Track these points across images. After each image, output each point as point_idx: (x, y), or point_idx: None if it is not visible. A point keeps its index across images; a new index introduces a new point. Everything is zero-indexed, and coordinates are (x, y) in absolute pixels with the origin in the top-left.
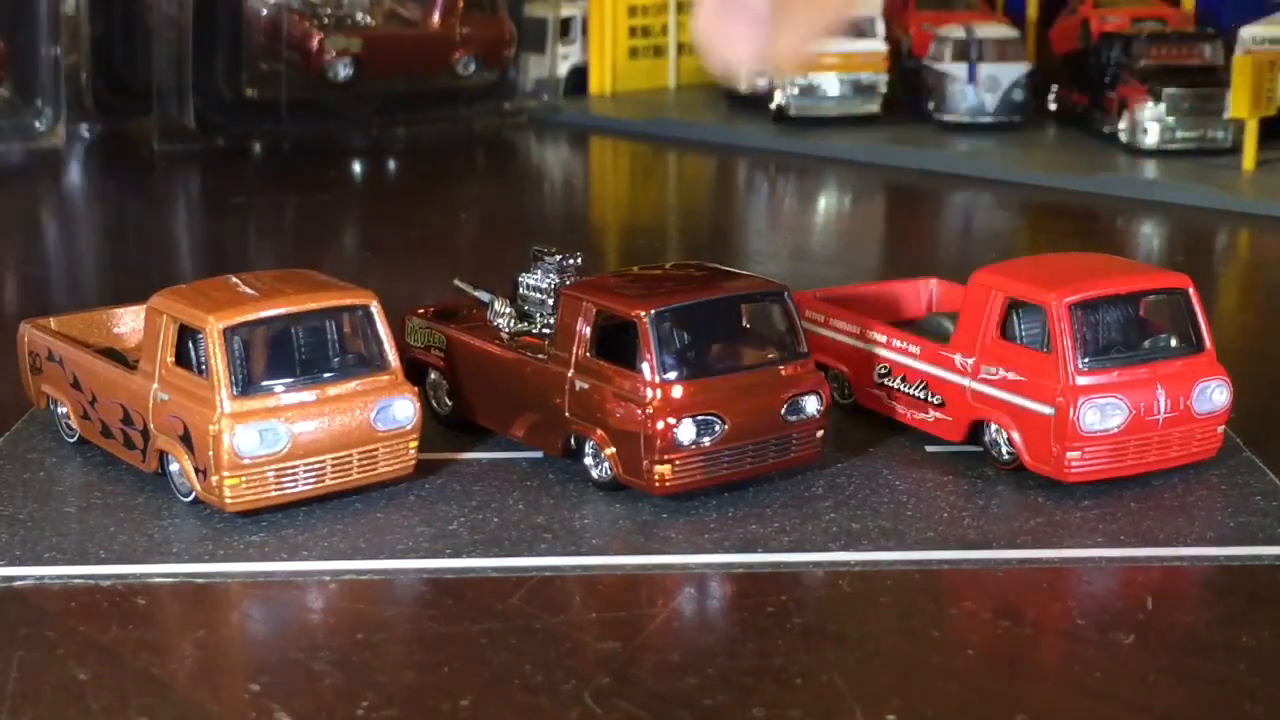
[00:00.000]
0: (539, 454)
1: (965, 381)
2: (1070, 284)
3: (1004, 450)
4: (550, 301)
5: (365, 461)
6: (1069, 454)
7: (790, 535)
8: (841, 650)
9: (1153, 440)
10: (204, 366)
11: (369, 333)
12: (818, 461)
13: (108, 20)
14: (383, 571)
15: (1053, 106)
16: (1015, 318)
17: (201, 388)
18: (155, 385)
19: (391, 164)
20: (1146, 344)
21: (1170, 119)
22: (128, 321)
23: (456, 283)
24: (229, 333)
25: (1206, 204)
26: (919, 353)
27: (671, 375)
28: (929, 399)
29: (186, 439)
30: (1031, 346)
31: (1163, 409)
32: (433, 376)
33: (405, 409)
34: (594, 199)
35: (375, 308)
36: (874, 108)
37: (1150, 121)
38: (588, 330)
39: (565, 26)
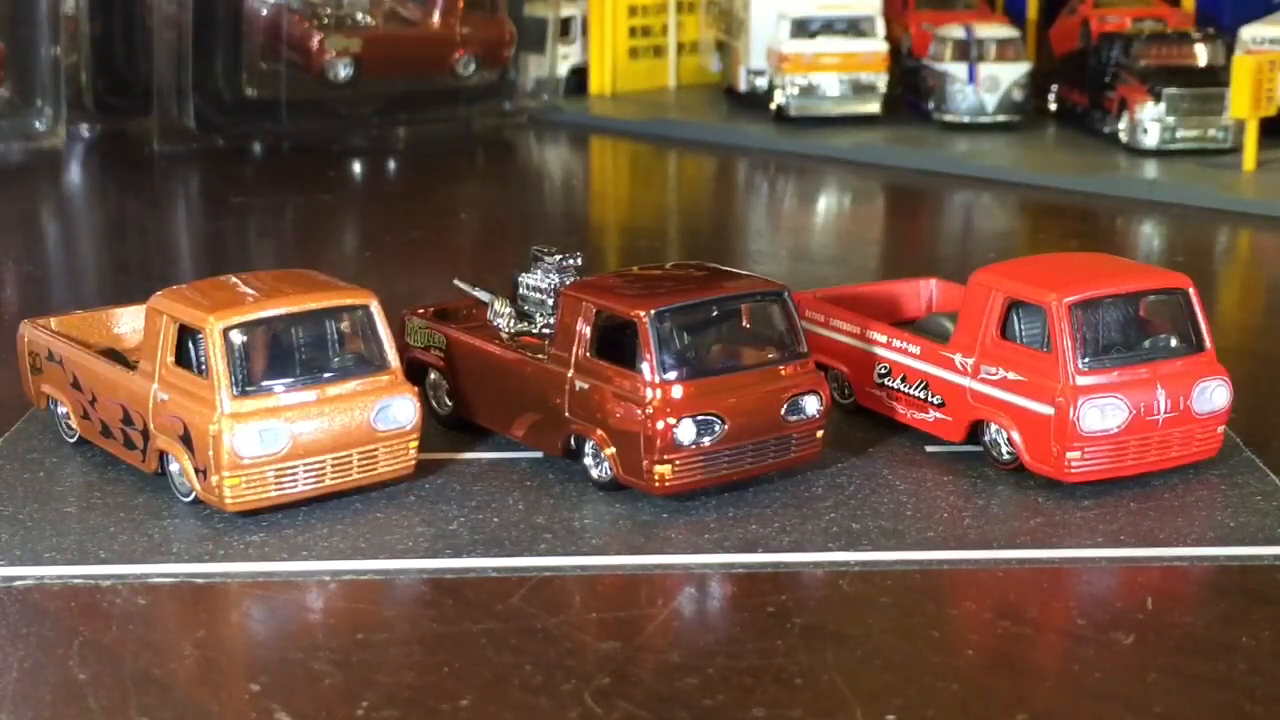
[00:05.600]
0: (539, 454)
1: (965, 381)
2: (1070, 284)
3: (1004, 450)
4: (550, 301)
5: (365, 461)
6: (1069, 454)
7: (790, 535)
8: (842, 650)
9: (1153, 440)
10: (204, 366)
11: (369, 333)
12: (817, 461)
13: (107, 20)
14: (383, 571)
15: (1053, 106)
16: (1015, 318)
17: (201, 388)
18: (155, 385)
19: (391, 164)
20: (1146, 344)
21: (1170, 119)
22: (128, 321)
23: (456, 282)
24: (229, 333)
25: (1206, 204)
26: (919, 353)
27: (671, 375)
28: (929, 399)
29: (186, 439)
30: (1031, 346)
31: (1163, 409)
32: (433, 376)
33: (405, 409)
34: (594, 199)
35: (375, 307)
36: (874, 107)
37: (1150, 121)
38: (588, 330)
39: (565, 26)
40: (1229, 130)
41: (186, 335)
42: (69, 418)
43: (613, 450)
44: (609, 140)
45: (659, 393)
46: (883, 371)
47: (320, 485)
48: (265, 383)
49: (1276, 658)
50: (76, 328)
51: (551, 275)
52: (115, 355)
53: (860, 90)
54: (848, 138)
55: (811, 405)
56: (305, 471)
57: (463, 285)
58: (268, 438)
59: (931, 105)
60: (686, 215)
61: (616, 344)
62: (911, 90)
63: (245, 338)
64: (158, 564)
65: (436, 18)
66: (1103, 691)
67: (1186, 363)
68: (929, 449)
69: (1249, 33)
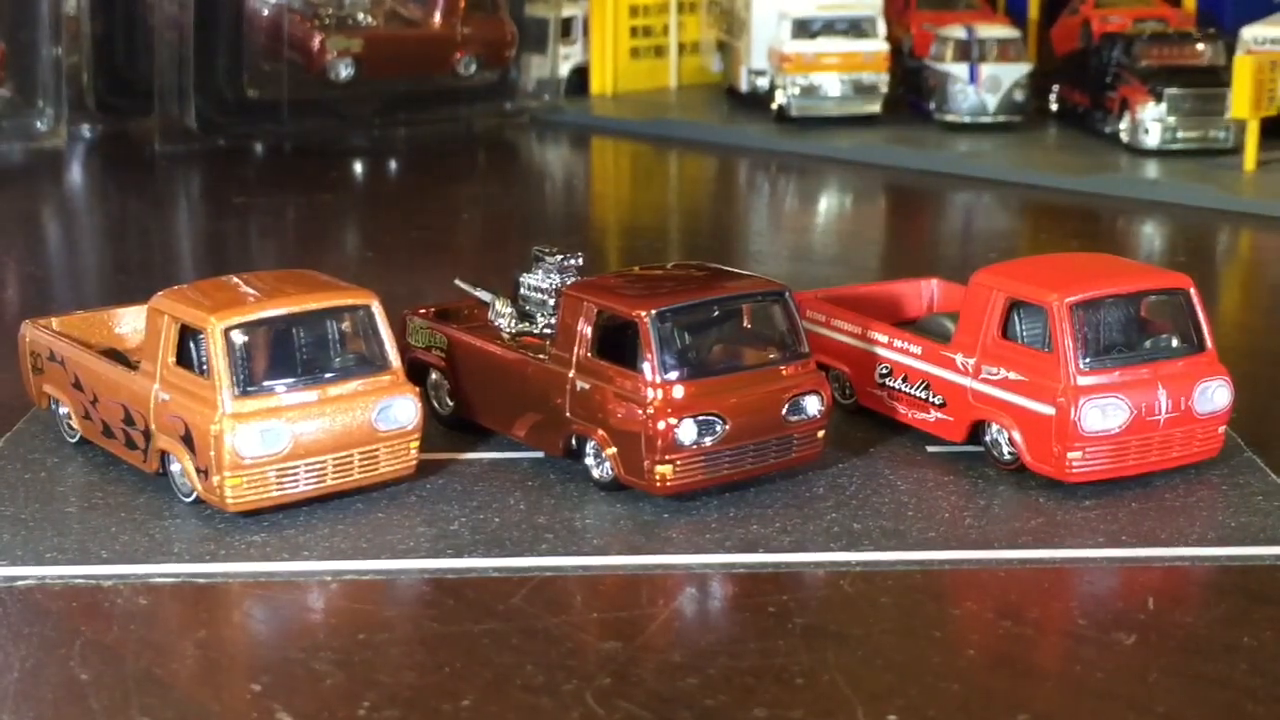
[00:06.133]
0: (540, 454)
1: (966, 382)
2: (1071, 284)
3: (1005, 450)
4: (551, 302)
5: (366, 462)
6: (1070, 454)
7: (791, 535)
8: (843, 650)
9: (1154, 440)
10: (205, 367)
11: (370, 333)
12: (819, 461)
13: (109, 20)
14: (384, 572)
15: (1054, 107)
16: (1016, 318)
17: (203, 388)
18: (156, 385)
19: (393, 164)
20: (1148, 344)
21: (1171, 119)
22: (129, 322)
23: (458, 283)
24: (230, 333)
25: (1208, 204)
26: (920, 353)
27: (673, 375)
28: (930, 399)
29: (188, 439)
30: (1033, 346)
31: (1164, 409)
32: (434, 377)
33: (406, 409)
34: (595, 199)
35: (376, 308)
36: (875, 108)
37: (1151, 122)
38: (589, 330)
39: (566, 26)
40: (1230, 130)
41: (188, 335)
42: (70, 418)
43: (614, 450)
44: (610, 140)
45: (660, 393)
46: (884, 371)
47: (322, 485)
48: (266, 383)
49: (1278, 658)
50: (78, 328)
51: (553, 275)
52: (117, 355)
53: (861, 90)
54: (849, 138)
55: (813, 405)
56: (306, 471)
57: (464, 285)
58: (269, 438)
59: (933, 105)
60: (687, 215)
61: (618, 344)
62: (913, 90)
63: (246, 338)
64: (159, 564)
65: (438, 18)
66: (1104, 692)
67: (1188, 363)
68: (930, 449)
69: (1250, 33)
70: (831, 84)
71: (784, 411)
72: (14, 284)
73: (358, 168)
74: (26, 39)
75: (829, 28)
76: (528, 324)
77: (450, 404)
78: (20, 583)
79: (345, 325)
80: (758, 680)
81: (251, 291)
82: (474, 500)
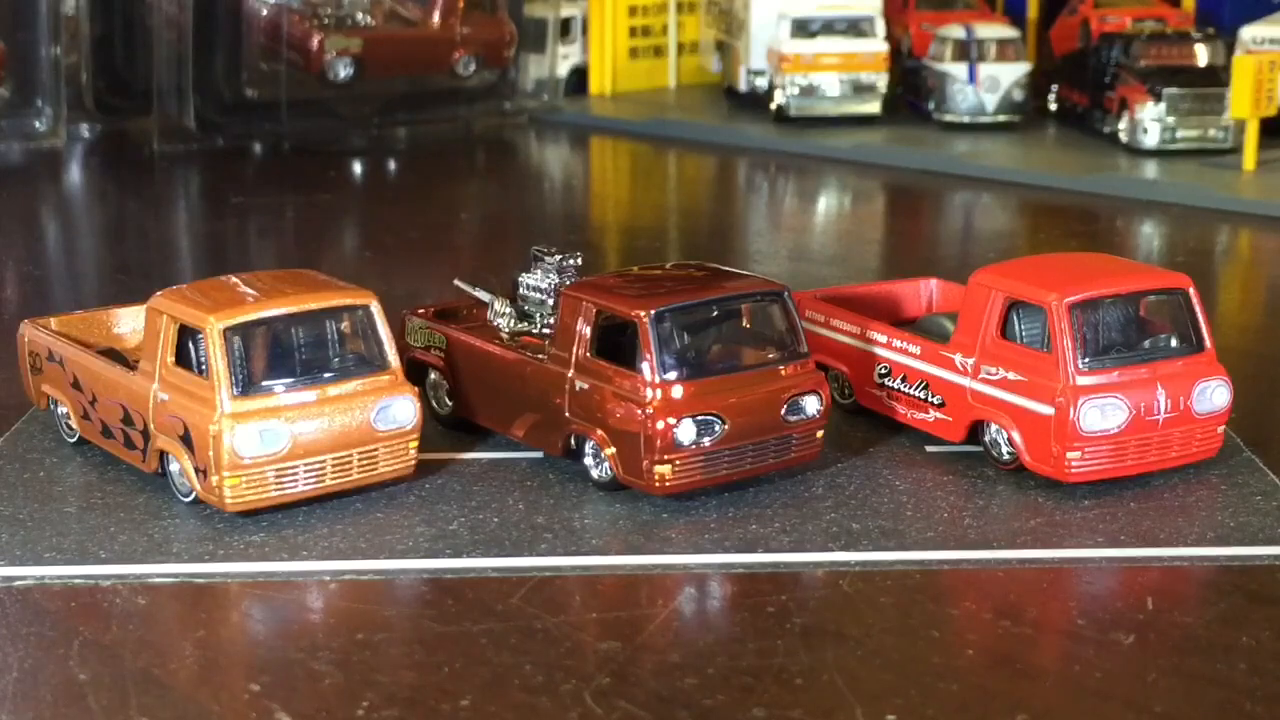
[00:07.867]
0: (539, 454)
1: (965, 381)
2: (1070, 284)
3: (1004, 450)
4: (550, 301)
5: (365, 461)
6: (1069, 454)
7: (790, 535)
8: (842, 650)
9: (1153, 440)
10: (204, 366)
11: (369, 333)
12: (818, 461)
13: (108, 20)
14: (383, 571)
15: (1053, 106)
16: (1015, 318)
17: (202, 388)
18: (155, 385)
19: (391, 164)
20: (1147, 344)
21: (1170, 119)
22: (128, 321)
23: (457, 283)
24: (229, 333)
25: (1207, 204)
26: (919, 353)
27: (671, 375)
28: (929, 399)
29: (187, 439)
30: (1032, 346)
31: (1163, 409)
32: (433, 376)
33: (405, 409)
34: (594, 199)
35: (375, 307)
36: (874, 107)
37: (1150, 121)
38: (588, 330)
39: (565, 26)
40: (1229, 130)
41: (187, 335)
42: (69, 418)
43: (613, 450)
44: (609, 140)
45: (659, 393)
46: (883, 371)
47: (320, 485)
48: (265, 383)
49: (1276, 658)
50: (77, 328)
51: (551, 275)
52: (115, 355)
53: (860, 90)
54: (848, 138)
55: (811, 405)
56: (305, 471)
57: (463, 285)
58: (268, 438)
59: (931, 105)
60: (686, 215)
61: (617, 344)
62: (911, 90)
63: (245, 338)
64: (158, 564)
65: (437, 18)
66: (1103, 691)
67: (1187, 363)
68: (929, 449)
69: (1249, 33)
70: (830, 84)
71: (783, 411)
72: (13, 284)
73: (356, 168)
74: (25, 39)
75: (828, 28)
76: (526, 324)
77: (449, 404)
78: (19, 583)
79: (344, 325)
80: (756, 680)
81: (250, 291)
82: (473, 500)
